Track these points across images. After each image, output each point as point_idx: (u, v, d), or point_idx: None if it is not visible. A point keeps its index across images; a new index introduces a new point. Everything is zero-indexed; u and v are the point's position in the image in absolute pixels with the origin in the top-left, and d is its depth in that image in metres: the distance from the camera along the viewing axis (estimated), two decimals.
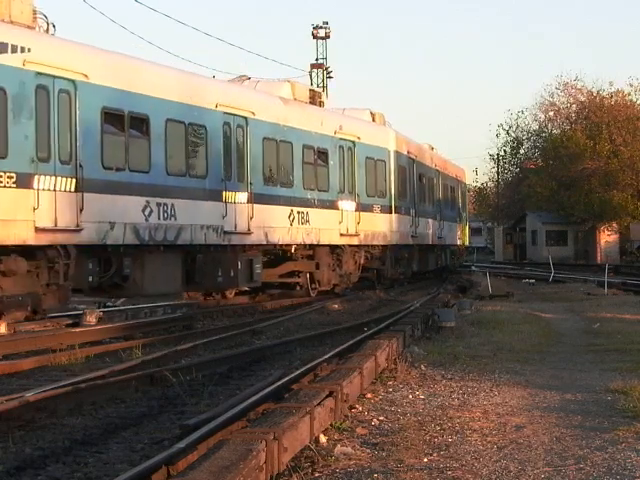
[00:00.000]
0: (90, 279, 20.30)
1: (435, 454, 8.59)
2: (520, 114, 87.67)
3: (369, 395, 11.55)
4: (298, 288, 30.08)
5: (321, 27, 70.36)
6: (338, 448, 8.69)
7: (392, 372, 13.28)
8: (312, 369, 12.78)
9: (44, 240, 18.70)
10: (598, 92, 78.67)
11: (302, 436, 8.41)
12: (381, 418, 10.23)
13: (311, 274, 29.92)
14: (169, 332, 20.30)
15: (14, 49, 18.04)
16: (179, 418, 10.77)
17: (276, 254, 28.38)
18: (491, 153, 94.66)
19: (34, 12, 19.72)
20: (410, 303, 26.56)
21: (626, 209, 71.81)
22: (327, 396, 9.65)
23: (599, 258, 73.00)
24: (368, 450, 8.76)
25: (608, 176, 71.68)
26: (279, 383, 11.55)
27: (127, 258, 21.32)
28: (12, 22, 18.83)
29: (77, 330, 19.09)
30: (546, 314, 24.71)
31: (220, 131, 24.52)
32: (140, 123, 21.60)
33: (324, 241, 29.77)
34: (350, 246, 31.76)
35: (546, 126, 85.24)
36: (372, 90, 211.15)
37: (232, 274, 25.00)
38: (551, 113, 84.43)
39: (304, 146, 28.75)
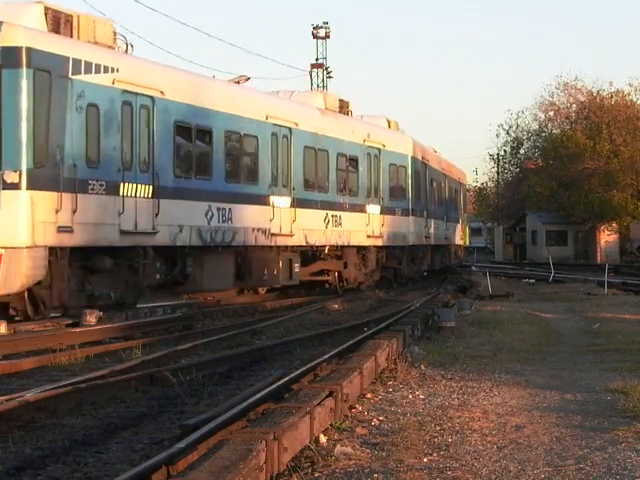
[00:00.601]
0: (158, 277, 22.42)
1: (435, 454, 8.59)
2: (520, 114, 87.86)
3: (369, 395, 11.55)
4: (327, 285, 32.14)
5: (321, 27, 70.35)
6: (338, 448, 8.69)
7: (392, 372, 13.28)
8: (312, 369, 12.78)
9: (127, 242, 20.90)
10: (598, 92, 78.73)
11: (302, 436, 8.41)
12: (381, 418, 10.23)
13: (339, 273, 31.94)
14: (169, 332, 20.30)
15: (106, 69, 20.26)
16: (179, 418, 10.77)
17: (306, 253, 30.10)
18: (491, 153, 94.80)
19: (114, 33, 21.63)
20: (410, 303, 26.57)
21: (626, 209, 71.83)
22: (327, 396, 9.66)
23: (599, 258, 73.02)
24: (368, 450, 8.76)
25: (608, 176, 71.69)
26: (279, 383, 11.55)
27: (189, 258, 23.43)
28: (96, 43, 20.76)
29: (77, 330, 19.08)
30: (546, 314, 24.71)
31: (269, 141, 26.84)
32: (204, 134, 23.91)
33: (353, 242, 32.05)
34: (375, 247, 33.97)
35: (546, 126, 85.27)
36: (372, 90, 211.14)
37: (275, 272, 27.27)
38: (551, 113, 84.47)
39: (338, 154, 31.13)
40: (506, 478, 7.83)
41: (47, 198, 18.71)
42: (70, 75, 19.32)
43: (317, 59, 70.13)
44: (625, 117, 74.68)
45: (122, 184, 20.60)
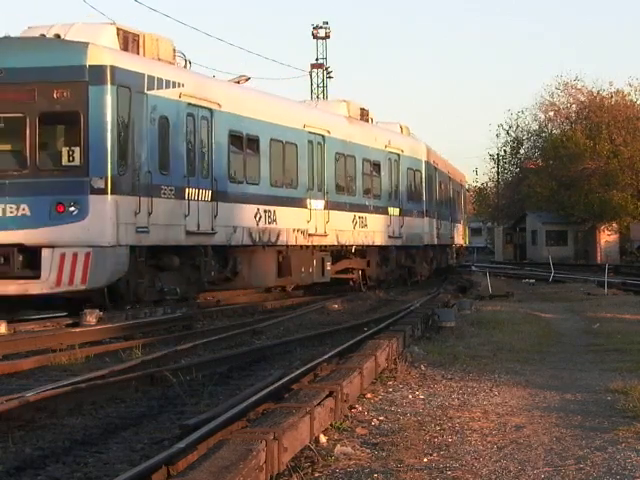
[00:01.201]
0: (212, 274, 24.20)
1: (435, 454, 8.59)
2: (520, 114, 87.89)
3: (369, 395, 11.55)
4: (351, 283, 33.89)
5: (321, 27, 70.42)
6: (338, 448, 8.69)
7: (392, 372, 13.27)
8: (312, 369, 12.78)
9: (191, 242, 22.89)
10: (598, 92, 78.73)
11: (302, 436, 8.41)
12: (381, 418, 10.23)
13: (363, 271, 34.10)
14: (169, 332, 20.29)
15: (174, 85, 22.23)
16: (179, 418, 10.76)
17: (333, 252, 31.77)
18: (491, 153, 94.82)
19: (174, 51, 23.49)
20: (410, 303, 26.55)
21: (626, 209, 71.85)
22: (327, 396, 9.65)
23: (599, 258, 73.03)
24: (368, 450, 8.76)
25: (608, 176, 71.70)
26: (279, 383, 11.55)
27: (239, 256, 25.42)
28: (159, 59, 22.62)
29: (77, 330, 19.08)
30: (546, 314, 24.71)
31: (306, 148, 29.12)
32: (253, 143, 25.98)
33: (377, 242, 34.29)
34: (395, 246, 36.23)
35: (546, 126, 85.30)
36: (372, 90, 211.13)
37: (310, 270, 29.37)
38: (551, 113, 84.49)
39: (363, 159, 33.36)
40: (506, 478, 7.83)
41: (128, 202, 20.51)
42: (145, 90, 21.21)
43: (317, 59, 70.21)
44: (625, 117, 74.70)
45: (187, 189, 22.61)
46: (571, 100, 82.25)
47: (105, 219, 20.11)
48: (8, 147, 21.01)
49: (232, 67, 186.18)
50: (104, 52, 20.43)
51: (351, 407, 10.63)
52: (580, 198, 72.35)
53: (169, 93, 21.99)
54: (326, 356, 14.02)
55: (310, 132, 29.34)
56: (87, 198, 20.02)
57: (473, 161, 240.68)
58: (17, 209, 20.13)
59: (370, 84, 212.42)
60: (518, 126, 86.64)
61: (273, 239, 26.66)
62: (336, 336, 19.07)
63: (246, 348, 17.05)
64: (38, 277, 19.81)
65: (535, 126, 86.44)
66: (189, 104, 22.78)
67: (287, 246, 27.71)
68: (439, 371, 13.56)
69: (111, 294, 21.20)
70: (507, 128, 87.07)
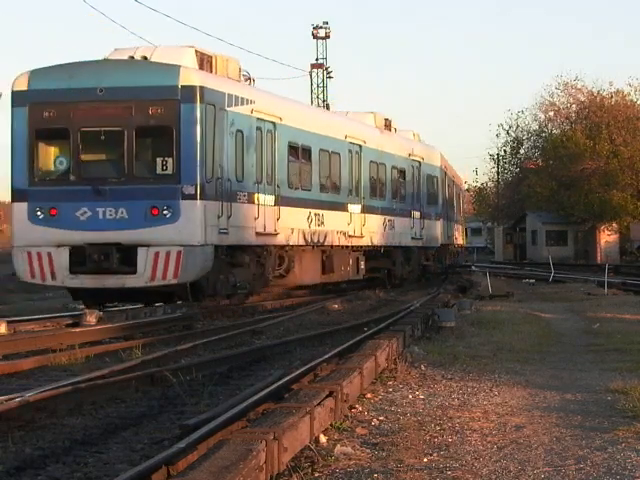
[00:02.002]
0: (270, 270, 26.59)
1: (435, 454, 8.59)
2: (520, 114, 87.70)
3: (369, 395, 11.55)
4: (378, 281, 36.31)
5: (321, 27, 70.38)
6: (338, 448, 8.69)
7: (392, 372, 13.27)
8: (312, 369, 12.78)
9: (259, 241, 25.47)
10: (598, 92, 78.69)
11: (302, 436, 8.41)
12: (381, 418, 10.22)
13: (389, 270, 36.85)
14: (169, 332, 20.29)
15: (247, 102, 24.85)
16: (179, 418, 10.77)
17: (363, 252, 34.09)
18: (491, 153, 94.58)
19: (240, 70, 26.06)
20: (410, 303, 26.53)
21: (626, 209, 71.81)
22: (327, 396, 9.65)
23: (599, 258, 72.99)
24: (368, 450, 8.76)
25: (608, 176, 71.66)
26: (279, 383, 11.55)
27: (293, 255, 27.99)
28: (228, 77, 25.05)
29: (77, 330, 19.08)
30: (546, 314, 24.70)
31: (347, 157, 31.98)
32: (306, 153, 28.81)
33: (402, 243, 37.26)
34: (416, 247, 39.39)
35: (546, 126, 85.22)
36: (372, 90, 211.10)
37: (348, 269, 32.10)
38: (551, 113, 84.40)
39: (392, 167, 36.34)
40: (506, 478, 7.83)
41: (213, 206, 23.04)
42: (226, 107, 23.78)
43: (317, 59, 70.15)
44: (625, 117, 74.66)
45: (257, 195, 25.28)
46: (571, 100, 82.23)
47: (195, 221, 22.59)
48: (108, 157, 23.45)
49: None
50: (194, 74, 23.08)
51: (351, 407, 10.63)
52: (580, 198, 72.31)
53: (243, 109, 24.71)
54: (326, 356, 14.02)
55: (350, 142, 32.23)
56: (179, 203, 22.46)
57: (473, 161, 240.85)
58: (116, 212, 22.53)
59: (370, 84, 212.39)
60: (518, 126, 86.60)
61: (321, 240, 29.47)
62: (336, 336, 19.06)
63: (246, 348, 17.05)
64: (134, 272, 22.37)
65: (535, 126, 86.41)
66: (258, 119, 25.51)
67: (331, 246, 30.46)
68: (439, 371, 13.56)
69: (192, 288, 23.44)
70: (507, 128, 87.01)
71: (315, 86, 69.96)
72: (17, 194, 23.42)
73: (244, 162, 24.63)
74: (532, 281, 43.84)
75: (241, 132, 24.48)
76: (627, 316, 23.24)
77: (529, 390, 12.14)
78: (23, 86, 23.18)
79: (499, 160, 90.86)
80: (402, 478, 7.76)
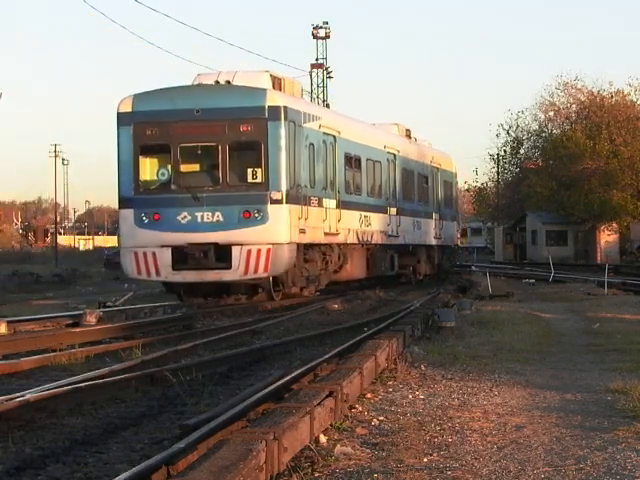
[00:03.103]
0: (332, 266, 30.16)
1: (435, 454, 8.59)
2: (520, 114, 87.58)
3: (369, 395, 11.54)
4: (403, 277, 39.49)
5: (321, 27, 70.39)
6: (338, 448, 8.69)
7: (392, 372, 13.27)
8: (312, 369, 12.77)
9: (326, 240, 29.27)
10: (598, 92, 78.65)
11: (302, 436, 8.41)
12: (381, 418, 10.22)
13: (414, 267, 40.07)
14: (169, 332, 20.29)
15: (316, 118, 28.89)
16: (179, 418, 10.76)
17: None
18: (491, 153, 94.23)
19: (301, 90, 30.78)
20: (410, 303, 26.52)
21: (626, 209, 71.77)
22: (327, 396, 9.65)
23: (599, 258, 72.94)
24: (368, 450, 8.75)
25: (608, 176, 71.62)
26: (279, 383, 11.54)
27: (346, 253, 31.24)
28: (293, 95, 28.74)
29: (77, 330, 19.10)
30: (546, 314, 24.68)
31: (386, 165, 35.76)
32: (357, 161, 32.65)
33: (426, 242, 41.24)
34: (437, 246, 43.18)
35: (546, 126, 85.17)
36: (372, 90, 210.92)
37: (385, 266, 35.59)
38: (551, 113, 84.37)
39: (418, 173, 40.24)
40: (506, 478, 7.83)
41: (295, 210, 26.68)
42: (302, 124, 27.48)
43: (317, 59, 70.16)
44: (625, 117, 74.62)
45: (324, 199, 29.02)
46: (571, 100, 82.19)
47: (281, 223, 26.13)
48: (204, 168, 26.97)
49: (232, 67, 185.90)
50: (278, 96, 26.89)
51: (351, 407, 10.63)
52: (580, 198, 72.26)
53: (314, 125, 28.55)
54: (326, 356, 14.02)
55: (388, 152, 36.03)
56: (267, 207, 25.97)
57: (473, 161, 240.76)
58: (212, 216, 26.02)
59: (370, 84, 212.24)
60: (518, 126, 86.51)
61: (368, 239, 32.94)
62: (336, 336, 19.05)
63: (246, 348, 17.04)
64: (229, 268, 25.73)
65: (535, 126, 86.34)
66: (324, 133, 29.37)
67: (375, 245, 33.95)
68: (439, 371, 13.55)
69: (274, 280, 26.93)
70: (507, 128, 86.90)
71: (315, 86, 70.01)
72: (124, 202, 26.85)
73: (315, 171, 28.47)
74: (532, 281, 43.79)
75: (312, 145, 28.33)
76: (627, 316, 23.22)
77: (529, 390, 12.14)
78: (128, 108, 26.66)
79: (499, 160, 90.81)
80: (402, 478, 7.76)
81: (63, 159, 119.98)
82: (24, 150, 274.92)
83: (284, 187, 26.16)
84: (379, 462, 8.28)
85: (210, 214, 26.03)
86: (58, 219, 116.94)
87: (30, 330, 19.27)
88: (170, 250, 25.99)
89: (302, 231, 27.02)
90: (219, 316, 23.93)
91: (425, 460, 8.36)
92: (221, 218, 25.99)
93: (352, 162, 32.08)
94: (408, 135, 40.77)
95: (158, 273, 26.20)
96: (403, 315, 21.52)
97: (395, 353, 14.24)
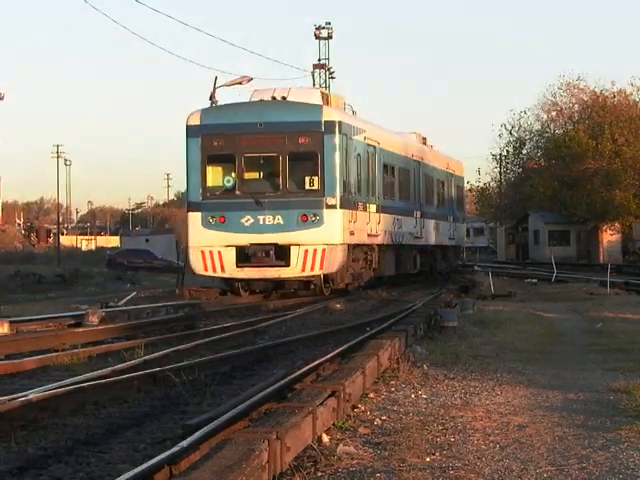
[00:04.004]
0: (372, 264, 32.96)
1: (437, 453, 8.58)
2: (522, 114, 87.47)
3: (371, 395, 11.54)
4: (422, 275, 41.98)
5: (323, 27, 70.35)
6: (341, 448, 8.69)
7: (394, 372, 13.27)
8: (315, 369, 12.77)
9: (368, 241, 32.15)
10: (601, 92, 78.58)
11: (305, 436, 8.41)
12: (383, 418, 10.22)
13: (431, 265, 42.90)
14: (171, 332, 20.27)
15: (361, 131, 31.74)
16: (181, 418, 10.76)
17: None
18: (494, 153, 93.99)
19: (344, 104, 33.22)
20: (412, 303, 26.52)
21: (628, 209, 71.73)
22: (330, 396, 9.64)
23: (601, 258, 72.89)
24: (370, 450, 8.75)
25: (610, 176, 71.58)
26: (282, 383, 11.54)
27: (381, 252, 33.80)
28: (339, 109, 31.64)
29: (79, 330, 19.09)
30: (548, 314, 24.68)
31: (412, 172, 38.83)
32: (392, 169, 35.83)
33: (443, 243, 44.69)
34: (451, 246, 47.08)
35: (548, 126, 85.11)
36: (374, 90, 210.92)
37: (410, 263, 38.50)
38: (553, 113, 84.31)
39: (437, 179, 43.78)
40: (509, 477, 7.83)
41: (347, 214, 29.61)
42: (352, 136, 30.44)
43: (319, 59, 70.12)
44: (627, 117, 74.56)
45: (367, 204, 31.89)
46: (573, 100, 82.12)
47: (336, 226, 29.00)
48: (266, 176, 29.72)
49: (234, 67, 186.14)
50: (333, 111, 30.10)
51: (354, 407, 10.63)
52: (582, 198, 72.21)
53: (360, 137, 31.41)
54: (329, 356, 14.01)
55: (414, 160, 39.16)
56: (323, 212, 28.84)
57: (475, 161, 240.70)
58: (273, 219, 28.75)
59: (372, 84, 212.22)
60: (520, 126, 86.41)
61: (399, 240, 35.88)
62: (339, 336, 19.03)
63: (249, 348, 17.01)
64: (288, 266, 28.58)
65: (537, 126, 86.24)
66: (367, 144, 32.25)
67: (403, 245, 36.82)
68: (441, 371, 13.55)
69: (325, 277, 29.60)
70: (510, 128, 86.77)
71: (317, 86, 69.96)
72: (192, 206, 29.73)
73: (361, 178, 31.37)
74: (534, 281, 43.74)
75: (359, 155, 31.26)
76: (630, 316, 23.20)
77: (531, 390, 12.13)
78: (196, 121, 29.50)
79: (502, 160, 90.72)
80: (405, 478, 7.75)
81: (65, 159, 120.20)
82: (27, 150, 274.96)
83: (338, 193, 29.11)
84: (382, 462, 8.28)
85: (271, 217, 28.83)
86: (60, 219, 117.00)
87: (32, 330, 19.26)
88: (234, 249, 28.86)
89: (352, 233, 29.98)
90: (222, 316, 23.91)
91: (428, 459, 8.36)
92: (281, 221, 28.79)
93: (388, 170, 35.16)
94: (424, 142, 43.37)
95: (223, 270, 29.09)
96: (405, 315, 21.50)
97: (397, 353, 14.24)
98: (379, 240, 33.12)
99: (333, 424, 9.53)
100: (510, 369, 13.91)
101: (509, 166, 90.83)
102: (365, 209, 31.54)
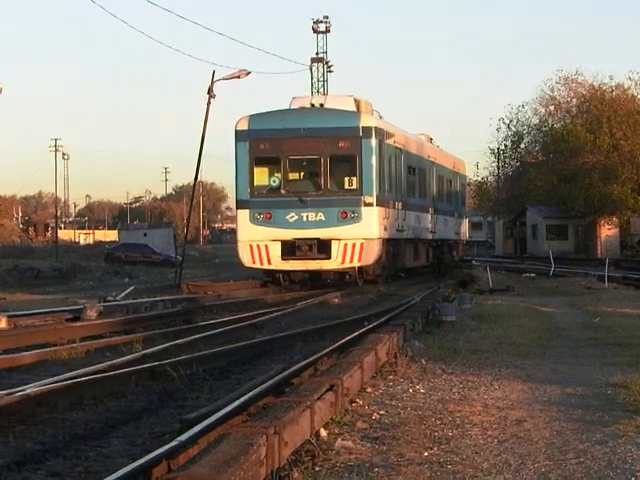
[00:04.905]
0: (398, 257, 35.98)
1: (435, 448, 8.59)
2: (521, 108, 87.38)
3: (369, 389, 11.55)
4: (431, 267, 44.56)
5: (321, 21, 70.34)
6: (339, 442, 8.69)
7: (392, 366, 13.27)
8: (313, 363, 12.78)
9: (396, 235, 34.95)
10: (599, 86, 78.53)
11: (303, 430, 8.41)
12: (381, 412, 10.22)
13: (439, 258, 45.23)
14: (169, 326, 20.27)
15: (391, 136, 34.86)
16: (179, 412, 10.77)
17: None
18: (492, 147, 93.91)
19: (372, 109, 35.21)
20: (410, 297, 26.50)
21: (626, 203, 71.72)
22: (328, 390, 9.64)
23: (599, 252, 72.88)
24: (369, 444, 8.76)
25: (608, 170, 71.56)
26: (280, 377, 11.55)
27: (402, 246, 36.47)
28: (369, 113, 34.06)
29: (77, 324, 19.09)
30: (546, 308, 24.69)
31: (428, 171, 42.24)
32: (413, 170, 38.66)
33: (451, 238, 48.23)
34: (457, 240, 50.31)
35: (546, 120, 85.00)
36: (373, 84, 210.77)
37: (424, 257, 41.43)
38: (551, 107, 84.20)
39: (446, 178, 46.93)
40: (507, 472, 7.83)
41: (381, 211, 32.57)
42: (384, 140, 33.47)
43: (317, 53, 70.09)
44: (625, 111, 74.51)
45: (395, 202, 34.88)
46: (572, 94, 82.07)
47: (372, 222, 31.88)
48: (309, 177, 32.66)
49: (232, 61, 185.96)
50: (369, 118, 33.05)
51: (352, 401, 10.63)
52: (580, 192, 72.18)
53: (390, 141, 34.46)
54: (326, 350, 14.02)
55: (430, 161, 42.59)
56: (361, 209, 31.65)
57: (474, 155, 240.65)
58: (316, 216, 31.55)
59: (370, 78, 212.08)
60: (519, 120, 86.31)
61: (418, 235, 38.97)
62: (337, 330, 19.01)
63: (247, 342, 17.00)
64: (329, 258, 31.46)
65: (535, 120, 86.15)
66: (395, 147, 35.22)
67: (420, 239, 39.79)
68: (439, 365, 13.55)
69: (359, 269, 32.28)
70: (508, 122, 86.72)
71: (315, 80, 69.96)
72: (241, 203, 32.56)
73: (390, 178, 34.29)
74: (532, 275, 43.76)
75: (389, 157, 34.17)
76: (627, 310, 23.22)
77: (529, 384, 12.14)
78: (244, 126, 32.28)
79: (500, 154, 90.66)
80: (403, 472, 7.76)
81: (63, 153, 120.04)
82: (24, 144, 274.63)
83: (374, 192, 31.95)
84: (380, 456, 8.29)
85: (314, 214, 31.60)
86: (58, 213, 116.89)
87: (30, 325, 19.25)
88: (280, 244, 31.62)
89: (385, 229, 32.87)
90: (220, 310, 23.91)
91: (426, 454, 8.36)
92: (323, 218, 31.54)
93: (410, 170, 38.16)
94: (430, 141, 46.13)
95: (269, 262, 31.79)
96: (404, 309, 21.50)
97: (395, 347, 14.24)
98: (404, 235, 36.22)
99: (331, 419, 9.53)
100: (508, 363, 13.91)
101: (507, 160, 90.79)
102: (394, 207, 34.57)
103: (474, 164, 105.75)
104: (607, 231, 76.44)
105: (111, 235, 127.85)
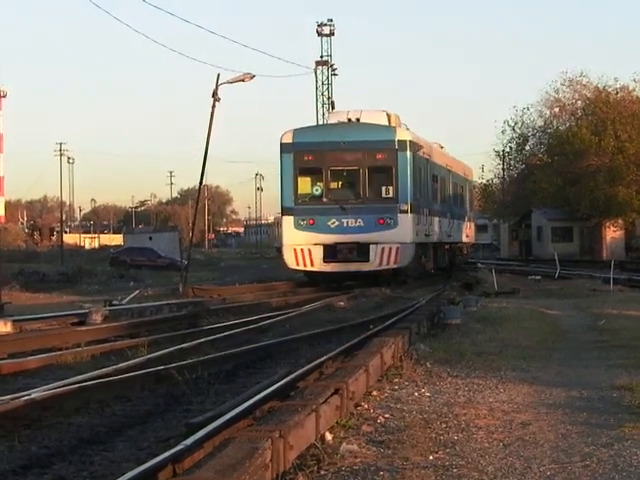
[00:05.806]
0: (426, 259, 38.73)
1: (441, 451, 8.58)
2: (525, 110, 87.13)
3: (375, 393, 11.54)
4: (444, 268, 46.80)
5: (326, 24, 70.39)
6: (344, 446, 8.68)
7: (398, 369, 13.26)
8: (318, 367, 12.78)
9: (424, 240, 37.62)
10: (604, 88, 78.41)
11: (308, 434, 8.41)
12: (387, 416, 10.22)
13: (451, 260, 47.22)
14: (175, 330, 20.26)
15: (420, 147, 37.51)
16: (185, 416, 10.77)
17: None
18: (496, 149, 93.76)
19: (400, 121, 37.55)
20: (416, 300, 26.51)
21: (631, 205, 71.57)
22: (333, 394, 9.64)
23: (605, 254, 72.76)
24: (374, 448, 8.75)
25: (613, 172, 71.42)
26: (285, 381, 11.55)
27: (429, 249, 39.29)
28: (398, 125, 36.93)
29: (83, 329, 19.10)
30: (552, 311, 24.67)
31: (446, 178, 45.16)
32: (436, 178, 41.39)
33: (463, 240, 51.06)
34: (466, 243, 53.20)
35: (551, 122, 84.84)
36: (377, 87, 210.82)
37: (441, 259, 43.42)
38: (556, 109, 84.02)
39: (459, 185, 50.10)
40: (512, 475, 7.82)
41: (415, 217, 35.49)
42: (416, 152, 36.21)
43: (322, 56, 70.13)
44: (630, 113, 74.37)
45: (423, 208, 37.35)
46: (576, 96, 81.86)
47: (407, 228, 34.77)
48: (349, 186, 35.48)
49: (236, 64, 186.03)
50: (405, 132, 36.21)
51: (357, 405, 10.62)
52: (585, 194, 72.06)
53: (421, 152, 37.42)
54: (332, 354, 14.02)
55: (447, 169, 45.66)
56: (397, 216, 34.53)
57: (479, 157, 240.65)
58: (355, 222, 34.39)
59: (375, 81, 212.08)
60: (523, 122, 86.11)
61: (439, 239, 41.42)
62: (342, 334, 19.02)
63: (252, 346, 17.01)
64: (368, 261, 34.18)
65: (540, 122, 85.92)
66: (424, 157, 38.10)
67: (440, 243, 42.24)
68: (445, 368, 13.55)
69: (394, 271, 34.97)
70: (512, 124, 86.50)
71: (320, 83, 69.99)
72: (286, 210, 35.23)
73: (420, 187, 37.06)
74: (538, 278, 43.71)
75: (420, 168, 36.96)
76: (633, 312, 23.18)
77: (535, 387, 12.13)
78: (289, 140, 35.10)
79: (505, 157, 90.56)
80: (408, 476, 7.75)
81: (68, 157, 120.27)
82: (30, 148, 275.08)
83: (409, 200, 34.84)
84: (385, 460, 8.28)
85: (353, 220, 34.44)
86: (64, 217, 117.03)
87: (36, 329, 19.27)
88: (322, 247, 34.24)
89: (417, 233, 35.70)
90: (225, 314, 23.91)
91: (431, 458, 8.36)
92: (362, 223, 34.34)
93: (434, 178, 40.95)
94: (442, 149, 47.79)
95: (312, 264, 34.41)
96: (409, 312, 21.50)
97: (401, 351, 14.24)
98: (431, 239, 39.12)
99: (336, 422, 9.53)
100: (513, 366, 13.90)
101: (512, 163, 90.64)
102: (424, 213, 37.39)
103: (479, 167, 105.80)
104: (612, 233, 76.32)
105: (116, 239, 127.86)
